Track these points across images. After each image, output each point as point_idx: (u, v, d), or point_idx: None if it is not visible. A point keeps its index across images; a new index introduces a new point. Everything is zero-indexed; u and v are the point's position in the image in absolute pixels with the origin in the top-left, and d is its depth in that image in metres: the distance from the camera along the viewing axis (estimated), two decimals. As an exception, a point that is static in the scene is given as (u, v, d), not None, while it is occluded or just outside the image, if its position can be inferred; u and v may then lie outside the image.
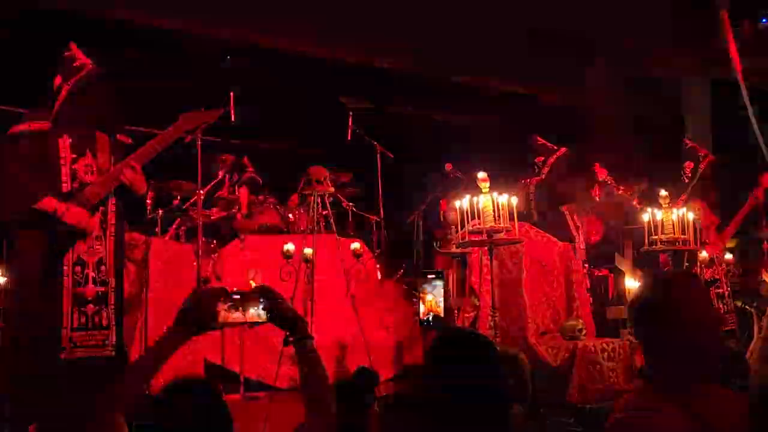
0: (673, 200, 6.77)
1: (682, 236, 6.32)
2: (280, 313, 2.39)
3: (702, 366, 2.34)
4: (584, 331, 6.53)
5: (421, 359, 6.54)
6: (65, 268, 4.39)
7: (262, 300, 2.36)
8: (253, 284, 4.13)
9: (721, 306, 7.46)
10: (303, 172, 6.57)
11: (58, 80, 4.54)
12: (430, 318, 3.59)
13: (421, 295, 3.68)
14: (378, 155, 8.17)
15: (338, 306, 6.49)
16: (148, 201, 6.83)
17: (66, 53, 4.62)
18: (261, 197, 7.67)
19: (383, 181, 8.20)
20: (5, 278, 4.74)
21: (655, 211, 6.36)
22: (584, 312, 6.92)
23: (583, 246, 7.44)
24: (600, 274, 7.74)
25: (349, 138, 8.10)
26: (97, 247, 4.51)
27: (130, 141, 4.87)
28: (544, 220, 7.39)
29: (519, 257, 6.73)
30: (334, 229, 6.53)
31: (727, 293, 7.54)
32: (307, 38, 9.41)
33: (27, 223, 4.34)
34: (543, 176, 7.62)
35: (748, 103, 5.05)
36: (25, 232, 4.37)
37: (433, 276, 3.77)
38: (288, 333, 2.41)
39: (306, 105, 9.62)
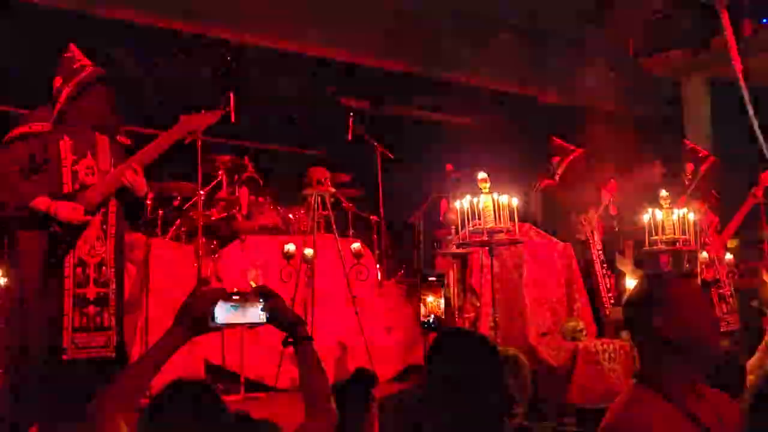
0: (674, 201, 6.77)
1: (683, 237, 6.33)
2: (279, 314, 2.39)
3: (696, 367, 2.34)
4: (585, 332, 6.53)
5: (421, 360, 6.54)
6: (66, 269, 4.39)
7: (261, 301, 2.36)
8: (253, 285, 4.13)
9: (723, 307, 7.46)
10: (303, 172, 6.57)
11: (58, 81, 4.54)
12: (431, 320, 3.58)
13: (422, 296, 3.67)
14: (378, 155, 8.17)
15: (338, 307, 6.49)
16: (149, 202, 6.82)
17: (66, 54, 4.62)
18: (261, 198, 7.66)
19: (383, 181, 8.20)
20: (6, 279, 4.74)
21: (656, 211, 6.36)
22: (585, 313, 6.92)
23: (599, 247, 7.43)
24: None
25: (349, 138, 8.10)
26: (98, 248, 4.51)
27: (130, 142, 4.87)
28: (554, 222, 7.37)
29: (519, 257, 6.73)
30: (335, 229, 6.52)
31: (728, 294, 7.53)
32: (308, 38, 9.41)
33: (28, 223, 4.34)
34: (557, 177, 7.59)
35: (748, 102, 5.05)
36: (26, 233, 4.37)
37: (434, 279, 3.77)
38: (287, 334, 2.40)
39: (306, 105, 9.62)
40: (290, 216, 7.52)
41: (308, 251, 6.00)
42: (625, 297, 2.45)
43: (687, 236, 6.35)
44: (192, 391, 2.12)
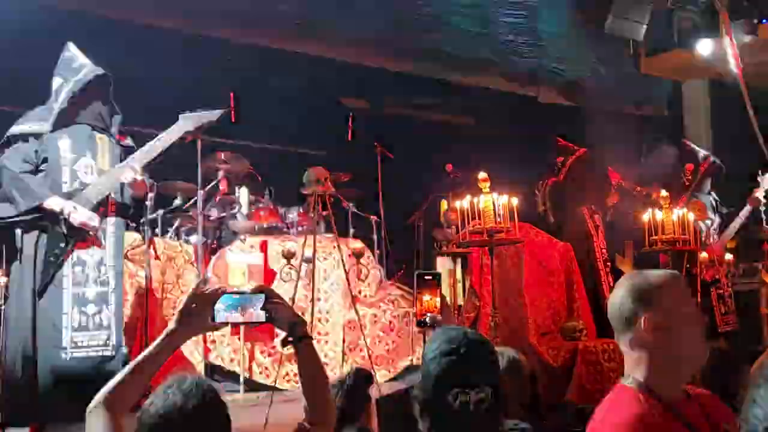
0: (674, 201, 6.78)
1: (683, 236, 6.33)
2: (279, 314, 2.39)
3: (683, 365, 2.33)
4: (585, 332, 6.53)
5: (421, 360, 6.54)
6: (66, 268, 4.40)
7: (261, 300, 2.36)
8: (253, 284, 4.12)
9: (722, 307, 7.46)
10: (303, 172, 6.58)
11: (58, 80, 4.55)
12: (428, 319, 3.58)
13: (419, 295, 3.67)
14: (378, 155, 8.17)
15: (338, 306, 6.49)
16: (148, 201, 6.82)
17: (65, 54, 4.62)
18: (261, 198, 7.66)
19: (383, 181, 8.20)
20: (6, 278, 4.74)
21: (656, 211, 6.37)
22: (585, 313, 6.92)
23: (602, 246, 7.44)
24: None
25: (349, 138, 8.10)
26: (98, 247, 4.52)
27: (129, 142, 4.88)
28: (561, 221, 7.39)
29: (519, 257, 6.73)
30: (335, 229, 6.52)
31: (727, 294, 7.54)
32: (308, 38, 9.41)
33: (29, 223, 4.34)
34: (561, 177, 7.61)
35: (748, 102, 5.07)
36: (27, 233, 4.38)
37: (430, 277, 3.76)
38: (287, 333, 2.41)
39: (307, 105, 9.62)
40: (290, 216, 7.52)
41: (308, 251, 6.00)
42: (610, 297, 2.44)
43: (687, 236, 6.36)
44: (190, 388, 2.12)
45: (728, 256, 7.62)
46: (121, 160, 4.65)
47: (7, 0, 7.06)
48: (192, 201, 7.27)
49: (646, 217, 6.39)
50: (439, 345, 2.32)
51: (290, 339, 2.40)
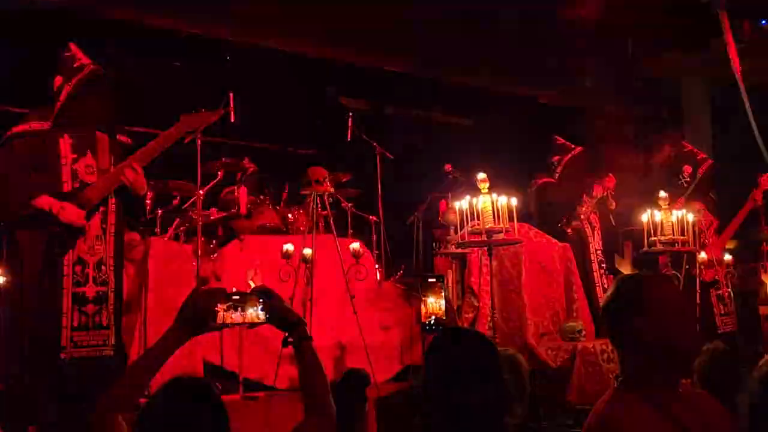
0: (672, 202, 6.78)
1: (681, 237, 6.34)
2: (279, 314, 2.39)
3: (675, 367, 2.34)
4: (584, 333, 6.53)
5: (420, 360, 6.54)
6: (65, 267, 4.40)
7: (261, 300, 2.36)
8: (252, 284, 4.12)
9: (721, 308, 7.46)
10: (303, 172, 6.58)
11: (58, 80, 4.55)
12: (432, 321, 3.56)
13: (423, 297, 3.66)
14: (377, 156, 8.17)
15: (337, 306, 6.48)
16: (148, 201, 6.82)
17: (66, 53, 4.62)
18: (260, 197, 7.66)
19: (382, 181, 8.20)
20: (5, 278, 4.75)
21: (655, 212, 6.37)
22: (584, 313, 6.92)
23: (598, 247, 7.44)
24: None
25: (348, 138, 8.10)
26: (98, 247, 4.52)
27: (130, 141, 4.88)
28: (551, 224, 7.38)
29: (518, 258, 6.73)
30: (334, 229, 6.52)
31: (726, 295, 7.54)
32: (307, 38, 9.41)
33: (27, 222, 4.34)
34: (557, 175, 7.61)
35: (747, 103, 5.06)
36: (25, 232, 4.38)
37: (434, 279, 3.75)
38: (287, 334, 2.41)
39: (306, 105, 9.63)
40: (289, 216, 7.52)
41: (307, 251, 5.99)
42: (603, 299, 2.45)
43: (686, 237, 6.36)
44: (188, 389, 2.13)
45: (727, 257, 7.62)
46: (121, 160, 4.65)
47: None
48: (191, 201, 7.27)
49: (645, 217, 6.39)
50: (443, 345, 2.33)
51: (290, 339, 2.40)
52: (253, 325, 2.38)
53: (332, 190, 6.57)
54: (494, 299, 5.89)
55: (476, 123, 11.23)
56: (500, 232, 5.55)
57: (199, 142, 5.74)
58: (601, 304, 2.43)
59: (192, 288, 5.63)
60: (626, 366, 2.39)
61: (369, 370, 5.72)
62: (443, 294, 3.78)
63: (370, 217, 8.15)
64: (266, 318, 2.36)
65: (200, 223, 6.07)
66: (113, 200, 4.60)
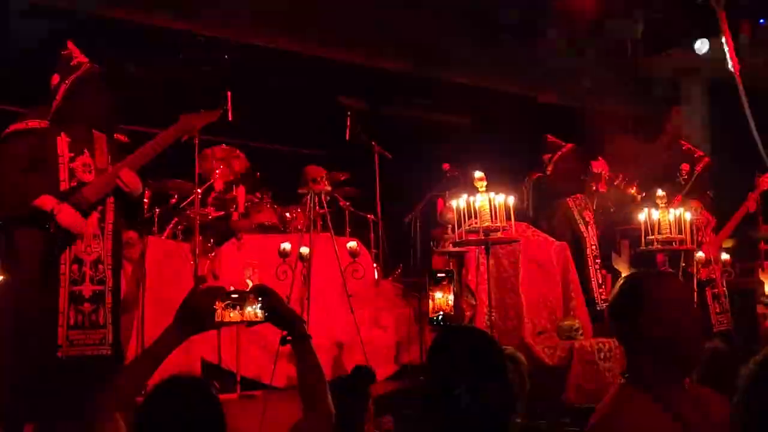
0: (670, 200, 6.78)
1: (679, 236, 6.34)
2: (278, 313, 2.39)
3: (680, 364, 2.34)
4: (581, 331, 6.53)
5: (417, 359, 6.55)
6: (62, 266, 4.39)
7: (260, 299, 2.36)
8: (250, 283, 4.12)
9: (716, 306, 7.47)
10: (300, 171, 6.58)
11: (55, 79, 4.55)
12: (440, 317, 3.54)
13: (431, 293, 3.64)
14: (376, 155, 8.17)
15: (335, 305, 6.49)
16: (146, 200, 6.82)
17: (64, 52, 4.62)
18: (258, 196, 7.66)
19: (381, 180, 8.20)
20: (2, 276, 4.74)
21: (652, 210, 6.37)
22: (581, 312, 6.92)
23: (593, 243, 7.45)
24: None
25: (347, 137, 8.10)
26: (95, 245, 4.51)
27: (128, 140, 4.87)
28: (544, 218, 7.39)
29: (515, 256, 6.73)
30: (331, 227, 6.52)
31: (722, 293, 7.54)
32: (306, 38, 9.40)
33: (24, 221, 4.34)
34: (548, 172, 7.62)
35: (745, 103, 5.07)
36: (23, 231, 4.37)
37: (443, 275, 3.74)
38: (286, 332, 2.41)
39: (304, 105, 9.62)
40: (287, 215, 7.52)
41: (304, 249, 5.99)
42: (609, 297, 2.46)
43: (683, 236, 6.36)
44: (184, 386, 2.13)
45: (725, 256, 7.62)
46: (118, 159, 4.64)
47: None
48: (189, 200, 7.26)
49: (642, 216, 6.39)
50: (447, 344, 2.32)
51: (289, 338, 2.40)
52: (251, 323, 2.38)
53: (329, 188, 6.57)
54: (491, 298, 5.89)
55: (474, 122, 11.22)
56: (498, 230, 5.55)
57: (196, 140, 5.74)
58: (607, 302, 2.44)
59: (190, 287, 5.64)
60: (632, 364, 2.40)
61: (366, 368, 5.72)
62: (452, 289, 3.76)
63: (368, 216, 8.15)
64: (265, 316, 2.35)
65: (198, 221, 6.07)
66: (111, 199, 4.60)
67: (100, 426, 2.15)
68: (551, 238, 7.12)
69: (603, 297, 7.14)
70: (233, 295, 2.33)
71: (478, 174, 5.64)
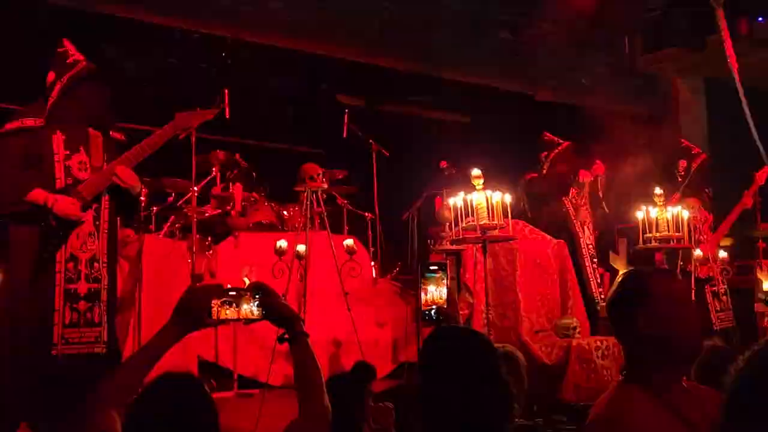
0: (668, 198, 6.78)
1: (677, 234, 6.34)
2: (275, 311, 2.38)
3: (679, 362, 2.34)
4: (578, 329, 6.53)
5: (414, 357, 6.54)
6: (57, 264, 4.38)
7: (257, 297, 2.35)
8: (247, 281, 4.11)
9: (717, 304, 7.47)
10: (298, 169, 6.56)
11: (51, 76, 4.52)
12: (433, 312, 3.48)
13: (423, 287, 3.59)
14: (373, 153, 8.16)
15: (332, 303, 6.47)
16: (143, 198, 6.82)
17: (59, 49, 4.60)
18: (255, 194, 7.65)
19: (378, 178, 8.19)
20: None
21: (650, 208, 6.37)
22: (578, 310, 6.92)
23: (589, 242, 7.44)
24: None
25: (344, 135, 8.09)
26: (90, 243, 4.50)
27: (124, 138, 4.85)
28: (540, 216, 7.39)
29: (513, 255, 6.73)
30: (327, 225, 6.51)
31: (722, 291, 7.54)
32: (304, 35, 9.39)
33: (19, 218, 4.32)
34: (544, 171, 7.62)
35: (743, 100, 5.05)
36: (17, 228, 4.36)
37: (436, 267, 3.69)
38: (283, 330, 2.39)
39: (302, 102, 9.61)
40: (284, 213, 7.51)
41: (301, 247, 5.98)
42: (608, 294, 2.45)
43: (681, 234, 6.36)
44: (176, 383, 2.11)
45: (722, 254, 7.62)
46: (114, 157, 4.63)
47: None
48: (186, 198, 7.25)
49: (640, 214, 6.39)
50: (439, 344, 2.29)
51: (286, 336, 2.39)
52: (249, 321, 2.37)
53: (326, 186, 6.56)
54: (489, 296, 5.88)
55: (472, 120, 11.22)
56: (495, 228, 5.55)
57: (193, 139, 5.73)
58: (606, 299, 2.43)
59: (187, 285, 5.62)
60: (631, 360, 2.39)
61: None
62: (445, 282, 3.73)
63: (366, 214, 8.15)
64: (262, 314, 2.34)
65: (195, 220, 6.05)
66: (106, 197, 4.58)
67: (96, 424, 2.14)
68: (549, 237, 7.11)
69: (603, 296, 7.14)
70: (230, 293, 2.32)
71: (475, 172, 5.63)
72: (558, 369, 6.23)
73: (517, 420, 3.09)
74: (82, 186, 4.46)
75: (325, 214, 6.59)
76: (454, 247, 6.53)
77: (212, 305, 2.29)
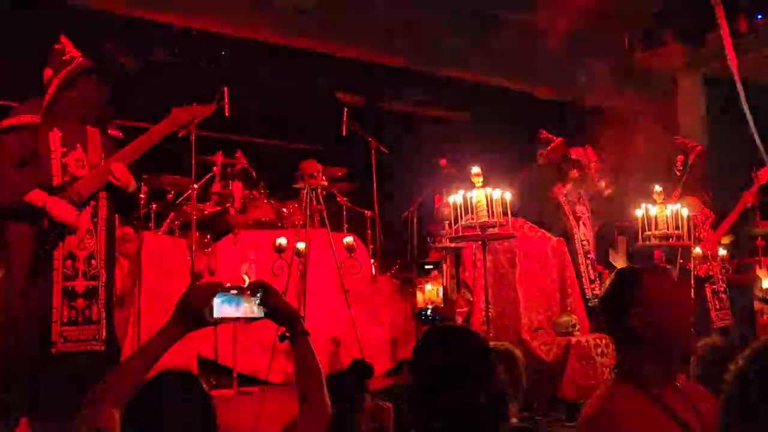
0: (668, 194, 6.78)
1: (676, 232, 6.33)
2: (276, 309, 2.37)
3: (671, 360, 2.33)
4: (577, 327, 6.53)
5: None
6: (56, 261, 4.37)
7: (258, 295, 2.34)
8: (247, 279, 4.10)
9: (716, 302, 7.47)
10: (297, 166, 6.56)
11: (48, 73, 4.52)
12: (429, 311, 3.49)
13: (419, 286, 3.58)
14: (372, 150, 8.16)
15: (332, 301, 6.47)
16: (142, 195, 6.81)
17: (56, 46, 4.59)
18: (255, 192, 7.64)
19: (378, 176, 8.18)
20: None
21: (649, 206, 6.36)
22: (578, 308, 6.92)
23: (584, 238, 7.43)
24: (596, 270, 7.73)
25: (344, 133, 8.08)
26: (88, 241, 4.49)
27: (121, 135, 4.84)
28: (534, 211, 7.38)
29: (513, 252, 6.73)
30: (327, 223, 6.51)
31: (722, 290, 7.54)
32: (303, 32, 9.38)
33: (16, 216, 4.31)
34: (537, 164, 7.64)
35: (743, 98, 5.04)
36: (15, 226, 4.35)
37: (431, 266, 3.70)
38: (284, 329, 2.39)
39: (301, 100, 9.60)
40: (284, 210, 7.50)
41: (300, 245, 5.98)
42: (600, 292, 2.45)
43: (680, 231, 6.35)
44: (176, 380, 2.11)
45: (722, 252, 7.62)
46: (111, 154, 4.62)
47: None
48: (186, 195, 7.25)
49: (639, 212, 6.38)
50: (431, 343, 2.27)
51: (287, 334, 2.39)
52: (249, 320, 2.37)
53: (326, 184, 6.56)
54: (488, 293, 5.88)
55: (471, 117, 11.22)
56: (494, 226, 5.55)
57: (193, 136, 5.72)
58: (598, 296, 2.42)
59: (186, 282, 5.62)
60: (623, 358, 2.39)
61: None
62: (442, 281, 3.74)
63: (366, 211, 8.14)
64: (263, 313, 2.34)
65: (194, 217, 6.05)
66: (104, 194, 4.57)
67: (94, 421, 2.14)
68: (548, 234, 7.11)
69: (595, 292, 7.14)
70: (232, 291, 2.31)
71: (475, 169, 5.63)
72: (557, 366, 6.24)
73: (516, 418, 3.09)
74: (79, 183, 4.44)
75: (325, 211, 6.59)
76: (454, 244, 6.53)
77: (212, 304, 2.29)
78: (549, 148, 7.64)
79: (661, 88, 11.33)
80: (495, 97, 10.77)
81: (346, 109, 8.19)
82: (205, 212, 7.28)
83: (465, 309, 6.68)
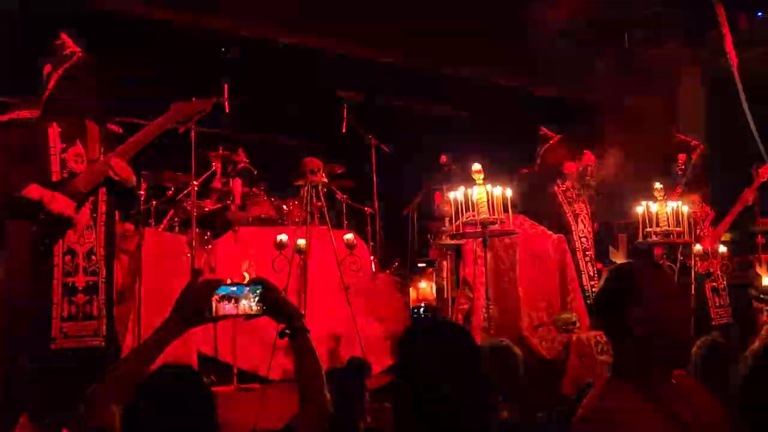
0: (669, 192, 6.77)
1: (677, 229, 6.33)
2: (276, 306, 2.37)
3: (668, 358, 2.32)
4: (578, 324, 6.53)
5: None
6: (55, 257, 4.36)
7: (258, 292, 2.34)
8: (247, 276, 4.10)
9: (716, 299, 7.46)
10: (297, 163, 6.56)
11: (47, 68, 4.51)
12: (422, 309, 3.50)
13: (414, 283, 3.59)
14: (373, 147, 8.16)
15: (332, 298, 6.47)
16: (142, 192, 6.81)
17: (56, 41, 4.58)
18: (255, 189, 7.64)
19: (378, 173, 8.19)
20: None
21: (650, 203, 6.36)
22: (578, 305, 6.92)
23: (583, 235, 7.43)
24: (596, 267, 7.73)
25: (344, 130, 8.08)
26: (88, 236, 4.48)
27: (120, 131, 4.84)
28: (533, 209, 7.38)
29: (513, 249, 6.72)
30: (327, 220, 6.51)
31: (722, 287, 7.54)
32: (303, 30, 9.38)
33: (15, 212, 4.31)
34: (536, 165, 7.63)
35: (743, 95, 5.05)
36: (14, 222, 4.34)
37: (425, 265, 3.72)
38: (285, 326, 2.39)
39: (301, 97, 9.60)
40: (284, 207, 7.51)
41: (301, 242, 5.98)
42: (596, 289, 2.44)
43: (681, 229, 6.35)
44: (176, 376, 2.11)
45: (722, 249, 7.62)
46: (111, 150, 4.61)
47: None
48: (186, 192, 7.25)
49: (640, 209, 6.38)
50: (414, 337, 2.23)
51: (287, 331, 2.39)
52: (249, 317, 2.37)
53: (326, 180, 6.56)
54: (489, 290, 5.88)
55: (472, 114, 11.21)
56: (495, 223, 5.55)
57: (193, 133, 5.71)
58: (595, 293, 2.41)
59: (186, 279, 5.61)
60: (619, 356, 2.37)
61: (363, 361, 5.71)
62: (435, 279, 3.75)
63: (365, 208, 8.14)
64: (263, 309, 2.34)
65: (194, 214, 6.05)
66: (103, 189, 4.56)
67: (95, 417, 2.14)
68: (549, 231, 7.11)
69: (594, 290, 7.13)
70: (231, 288, 2.31)
71: (475, 166, 5.63)
72: (558, 364, 6.23)
73: (506, 415, 3.08)
74: (78, 179, 4.44)
75: (325, 208, 6.59)
76: (454, 241, 6.53)
77: (212, 300, 2.29)
78: (546, 146, 7.64)
79: (661, 86, 11.33)
80: (496, 93, 10.76)
81: (346, 106, 8.18)
82: (206, 209, 7.28)
83: (465, 306, 6.68)
